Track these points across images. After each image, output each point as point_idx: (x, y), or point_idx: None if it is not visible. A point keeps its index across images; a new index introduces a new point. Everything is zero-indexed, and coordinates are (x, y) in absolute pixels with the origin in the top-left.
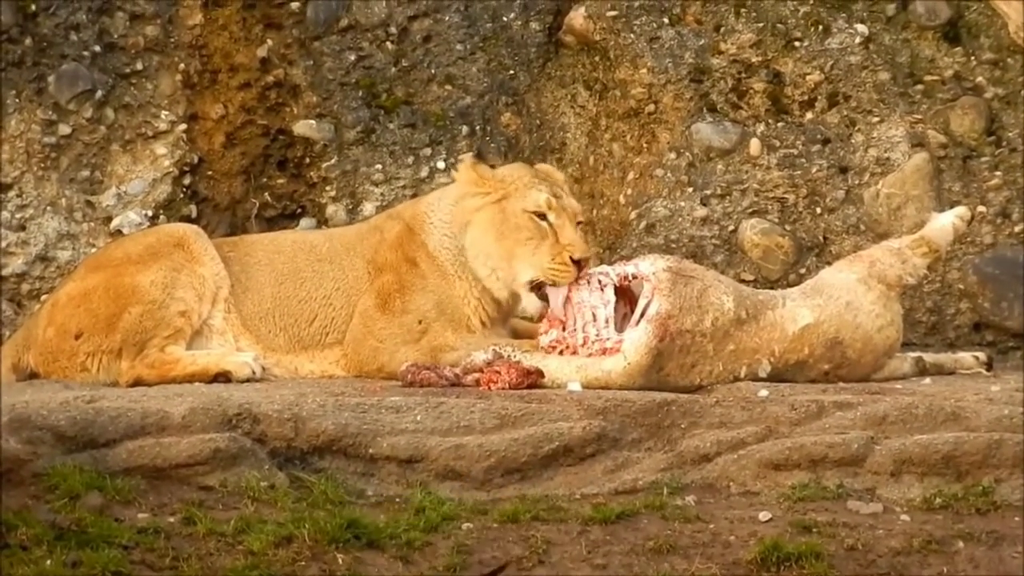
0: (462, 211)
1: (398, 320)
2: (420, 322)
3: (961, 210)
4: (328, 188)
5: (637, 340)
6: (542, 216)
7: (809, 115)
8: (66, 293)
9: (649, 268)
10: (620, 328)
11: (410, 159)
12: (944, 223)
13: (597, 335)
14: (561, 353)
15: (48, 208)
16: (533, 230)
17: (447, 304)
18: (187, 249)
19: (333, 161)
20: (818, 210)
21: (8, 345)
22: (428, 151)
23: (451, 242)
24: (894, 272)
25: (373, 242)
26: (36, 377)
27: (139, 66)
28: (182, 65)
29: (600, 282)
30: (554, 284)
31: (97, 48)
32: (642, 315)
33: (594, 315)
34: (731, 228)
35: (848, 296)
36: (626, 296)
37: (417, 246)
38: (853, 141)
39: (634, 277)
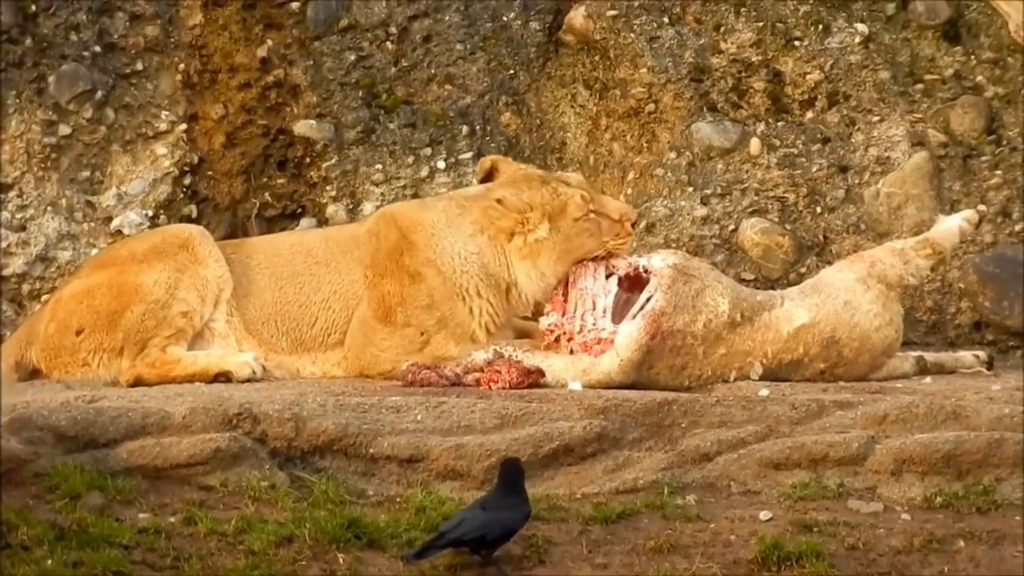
0: (517, 250)
1: (400, 332)
2: (422, 334)
3: (968, 213)
4: (328, 188)
5: (629, 336)
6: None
7: (809, 114)
8: (70, 290)
9: (659, 263)
10: (622, 317)
11: (410, 159)
12: (951, 225)
13: (594, 324)
14: (558, 339)
15: (48, 208)
16: (593, 228)
17: (451, 318)
18: (191, 250)
19: (333, 161)
20: (818, 209)
21: (11, 342)
22: (428, 151)
23: (479, 268)
24: (895, 272)
25: (370, 248)
26: (38, 373)
27: (139, 66)
28: (182, 65)
29: (606, 271)
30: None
31: (97, 48)
32: (640, 309)
33: (594, 303)
34: (731, 227)
35: (846, 295)
36: (638, 287)
37: (422, 262)
38: (853, 140)
39: (646, 271)
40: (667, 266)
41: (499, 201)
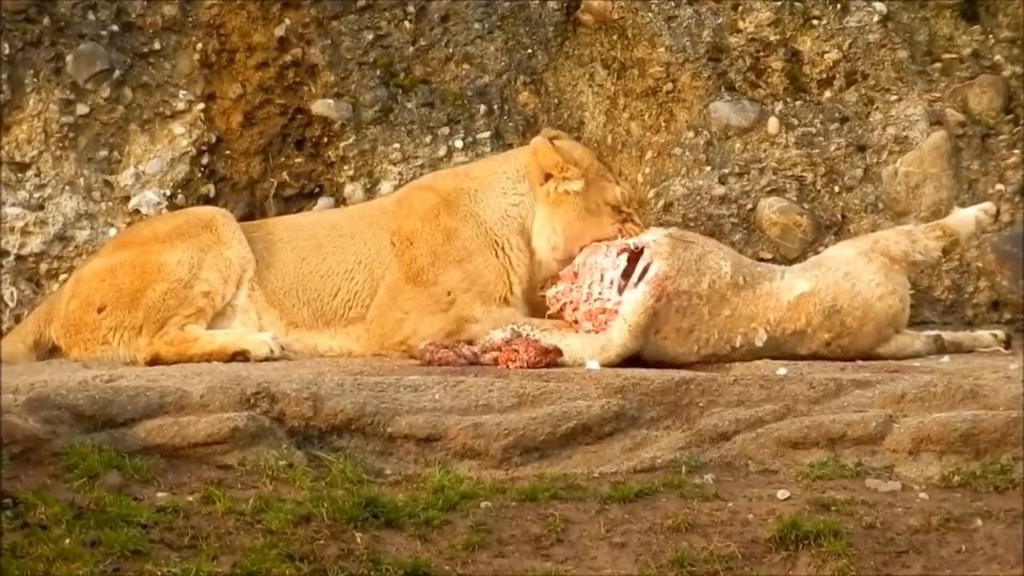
0: (545, 193)
1: (427, 291)
2: (449, 293)
3: (987, 204)
4: (346, 167)
5: (635, 301)
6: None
7: (827, 93)
8: (92, 268)
9: (650, 238)
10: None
11: (428, 138)
12: (967, 214)
13: (600, 294)
14: (563, 308)
15: (66, 188)
16: (613, 217)
17: (481, 276)
18: (215, 231)
19: (351, 140)
20: (836, 188)
21: (31, 319)
22: (446, 130)
23: (518, 219)
24: (899, 248)
25: (400, 215)
26: (57, 351)
27: (157, 45)
28: (200, 44)
29: (617, 250)
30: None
31: (115, 28)
32: (640, 278)
33: (602, 276)
34: (749, 207)
35: (847, 267)
36: (633, 265)
37: (461, 218)
38: (871, 119)
39: (635, 247)
40: (662, 236)
41: (552, 139)
